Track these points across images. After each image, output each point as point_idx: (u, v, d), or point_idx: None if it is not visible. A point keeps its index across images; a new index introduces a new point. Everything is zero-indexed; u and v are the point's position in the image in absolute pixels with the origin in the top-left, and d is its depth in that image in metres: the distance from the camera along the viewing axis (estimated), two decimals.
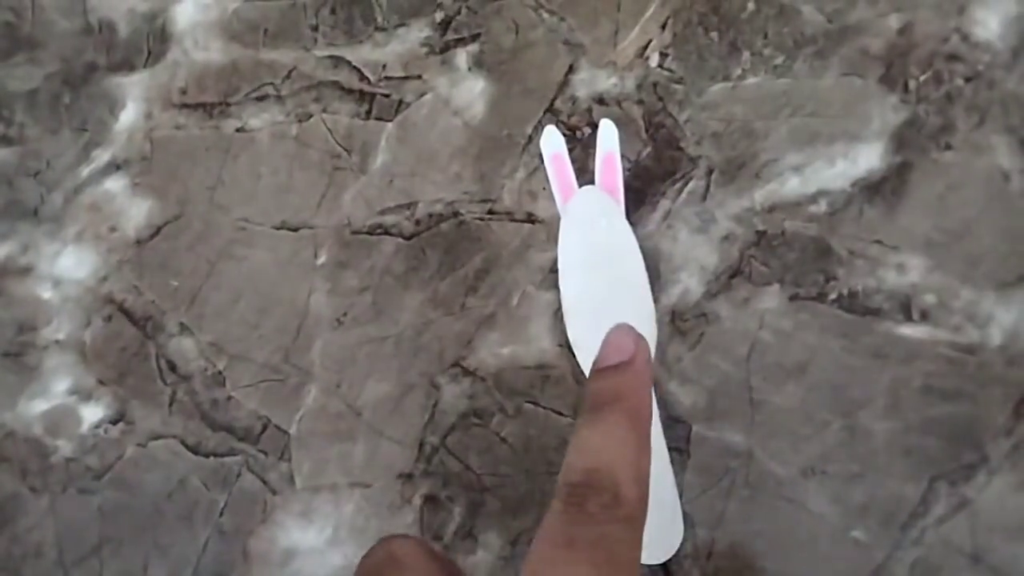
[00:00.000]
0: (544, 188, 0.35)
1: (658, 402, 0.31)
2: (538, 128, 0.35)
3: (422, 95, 0.36)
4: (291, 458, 0.33)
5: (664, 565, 0.31)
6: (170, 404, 0.34)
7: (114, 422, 0.34)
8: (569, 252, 0.33)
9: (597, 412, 0.27)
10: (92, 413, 0.34)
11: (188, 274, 0.35)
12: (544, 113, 0.35)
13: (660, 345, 0.32)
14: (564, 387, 0.33)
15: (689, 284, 0.33)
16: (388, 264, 0.34)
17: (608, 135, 0.34)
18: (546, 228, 0.34)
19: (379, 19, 0.37)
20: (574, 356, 0.32)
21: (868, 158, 0.34)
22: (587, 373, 0.31)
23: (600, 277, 0.32)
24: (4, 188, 0.36)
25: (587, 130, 0.35)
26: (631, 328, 0.30)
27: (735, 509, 0.31)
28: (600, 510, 0.25)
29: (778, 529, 0.31)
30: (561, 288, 0.33)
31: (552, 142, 0.34)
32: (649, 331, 0.32)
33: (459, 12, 0.36)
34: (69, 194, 0.36)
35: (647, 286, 0.32)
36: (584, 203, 0.33)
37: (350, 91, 0.36)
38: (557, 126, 0.35)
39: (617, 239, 0.32)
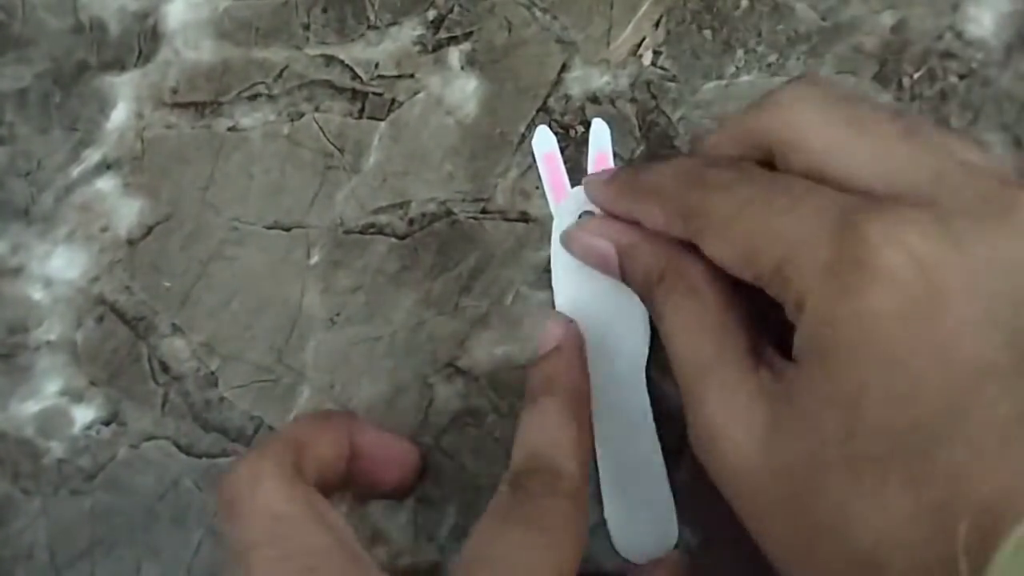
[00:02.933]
0: (537, 187, 0.34)
1: (652, 401, 0.31)
2: (531, 127, 0.35)
3: (415, 94, 0.36)
4: None
5: None
6: (162, 405, 0.34)
7: (106, 423, 0.34)
8: (561, 253, 0.33)
9: (533, 401, 0.29)
10: (84, 414, 0.34)
11: (180, 274, 0.35)
12: (537, 112, 0.35)
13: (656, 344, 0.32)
14: None
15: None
16: (381, 264, 0.34)
17: (600, 135, 0.34)
18: (540, 227, 0.34)
19: (371, 17, 0.36)
20: None
21: None
22: None
23: (593, 278, 0.32)
24: None
25: (580, 128, 0.35)
26: (561, 316, 0.32)
27: (729, 508, 0.31)
28: (540, 487, 0.26)
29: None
30: (554, 289, 0.33)
31: (544, 142, 0.34)
32: (642, 331, 0.32)
33: (451, 10, 0.36)
34: (60, 194, 0.35)
35: None
36: (577, 203, 0.33)
37: (342, 90, 0.36)
38: (550, 125, 0.35)
39: None
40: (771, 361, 0.25)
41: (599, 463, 0.31)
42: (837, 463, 0.21)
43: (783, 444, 0.23)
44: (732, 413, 0.24)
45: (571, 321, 0.31)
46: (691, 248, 0.27)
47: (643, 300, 0.29)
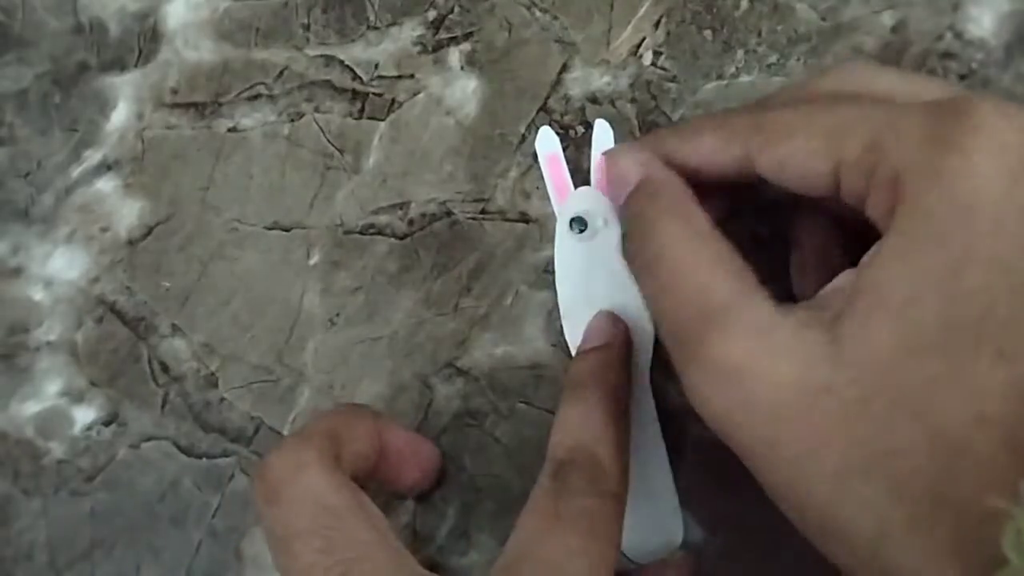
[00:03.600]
0: (538, 188, 0.34)
1: (655, 400, 0.31)
2: (531, 127, 0.35)
3: (415, 94, 0.36)
4: None
5: None
6: (162, 405, 0.34)
7: (106, 424, 0.34)
8: (565, 254, 0.33)
9: (577, 391, 0.28)
10: (84, 415, 0.34)
11: (180, 275, 0.35)
12: (537, 112, 0.35)
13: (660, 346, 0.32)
14: (558, 387, 0.33)
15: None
16: (381, 264, 0.34)
17: (603, 135, 0.34)
18: (540, 228, 0.34)
19: (371, 18, 0.36)
20: (571, 358, 0.32)
21: None
22: None
23: (597, 279, 0.32)
24: None
25: (581, 129, 0.35)
26: (612, 314, 0.31)
27: (733, 507, 0.31)
28: (584, 484, 0.26)
29: (775, 528, 0.31)
30: (558, 290, 0.33)
31: (547, 143, 0.34)
32: (646, 332, 0.32)
33: (452, 11, 0.36)
34: (60, 194, 0.35)
35: None
36: (580, 204, 0.33)
37: (342, 90, 0.36)
38: (550, 125, 0.35)
39: (614, 240, 0.32)
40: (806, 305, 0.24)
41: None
42: (929, 343, 0.21)
43: (854, 350, 0.22)
44: (770, 347, 0.23)
45: (621, 322, 0.31)
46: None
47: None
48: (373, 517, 0.26)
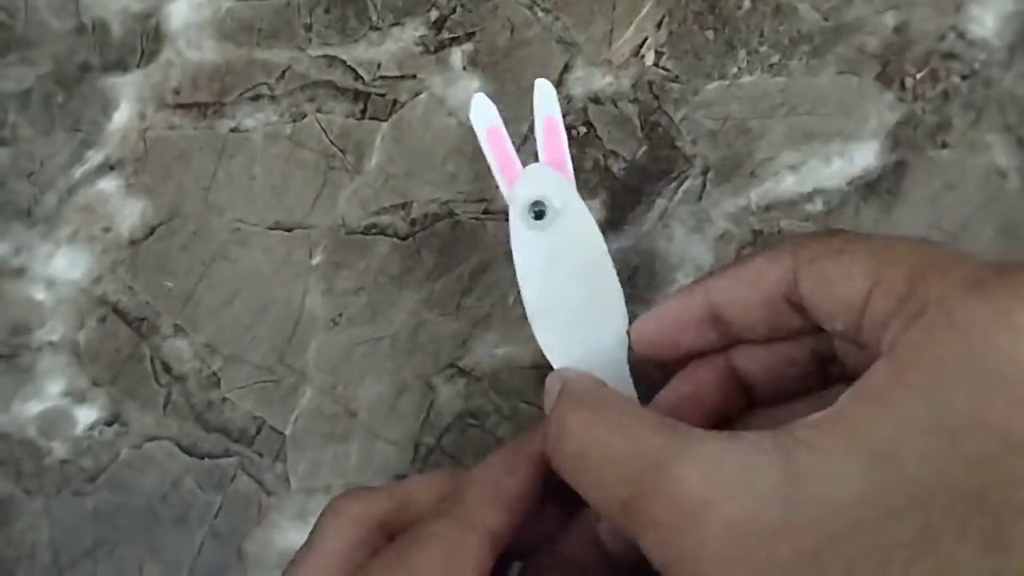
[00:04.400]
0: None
1: (636, 386, 0.31)
2: (533, 128, 0.35)
3: (417, 94, 0.36)
4: (286, 459, 0.33)
5: None
6: (165, 405, 0.34)
7: (108, 424, 0.34)
8: (524, 247, 0.30)
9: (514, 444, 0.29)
10: (86, 415, 0.34)
11: (182, 275, 0.35)
12: None
13: None
14: None
15: (685, 284, 0.33)
16: (383, 264, 0.34)
17: (546, 97, 0.30)
18: None
19: (373, 18, 0.36)
20: (548, 364, 0.30)
21: (864, 156, 0.34)
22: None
23: (563, 271, 0.29)
24: None
25: (583, 129, 0.35)
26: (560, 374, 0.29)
27: None
28: (437, 510, 0.27)
29: None
30: (521, 288, 0.30)
31: (484, 114, 0.30)
32: (620, 314, 0.29)
33: (454, 11, 0.36)
34: (63, 195, 0.35)
35: (612, 270, 0.30)
36: (531, 184, 0.30)
37: (344, 91, 0.36)
38: None
39: (573, 220, 0.30)
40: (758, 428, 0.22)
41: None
42: (908, 504, 0.19)
43: (815, 490, 0.20)
44: (719, 483, 0.21)
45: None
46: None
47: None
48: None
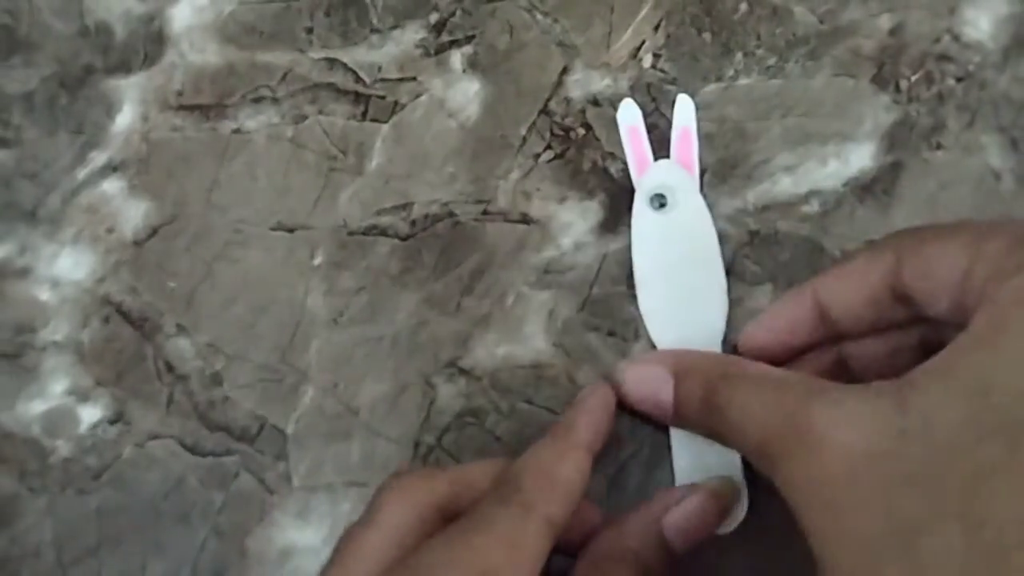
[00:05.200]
0: (538, 189, 0.35)
1: None
2: (532, 129, 0.35)
3: (417, 96, 0.36)
4: (288, 458, 0.33)
5: None
6: (168, 404, 0.34)
7: (112, 422, 0.34)
8: (642, 226, 0.33)
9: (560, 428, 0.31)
10: (90, 414, 0.34)
11: (185, 275, 0.35)
12: (538, 114, 0.35)
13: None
14: (558, 387, 0.33)
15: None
16: (384, 265, 0.35)
17: (685, 110, 0.34)
18: (540, 229, 0.35)
19: (374, 21, 0.37)
20: (645, 328, 0.33)
21: (860, 158, 0.34)
22: (657, 343, 0.33)
23: (673, 250, 0.33)
24: (1, 190, 0.36)
25: (581, 131, 0.35)
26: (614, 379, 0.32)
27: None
28: (495, 496, 0.28)
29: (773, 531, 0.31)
30: (634, 260, 0.33)
31: (628, 114, 0.34)
32: (721, 304, 0.33)
33: (454, 14, 0.37)
34: (66, 196, 0.36)
35: (720, 260, 0.33)
36: (658, 176, 0.33)
37: (345, 93, 0.36)
38: (551, 128, 0.35)
39: (691, 212, 0.33)
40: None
41: (672, 438, 0.32)
42: (996, 429, 0.21)
43: (920, 423, 0.22)
44: (843, 416, 0.23)
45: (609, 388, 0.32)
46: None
47: (701, 416, 0.29)
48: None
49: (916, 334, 0.28)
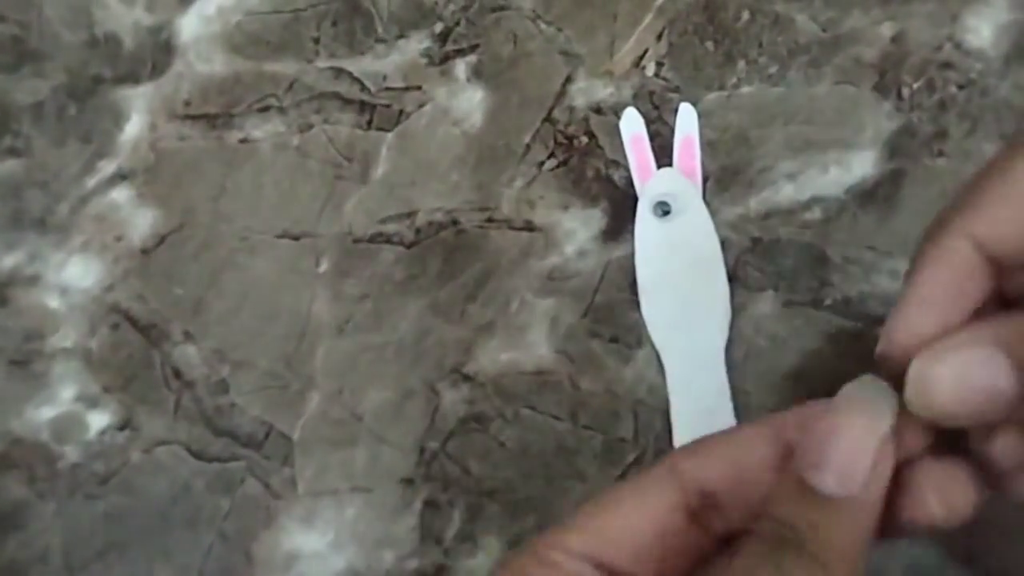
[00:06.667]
0: (542, 197, 0.35)
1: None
2: (536, 137, 0.36)
3: (422, 105, 0.36)
4: (294, 463, 0.34)
5: None
6: (175, 410, 0.34)
7: (120, 428, 0.34)
8: (645, 234, 0.34)
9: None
10: (98, 420, 0.34)
11: (192, 283, 0.35)
12: (542, 123, 0.36)
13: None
14: (561, 393, 0.33)
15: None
16: (389, 272, 0.35)
17: (687, 118, 0.35)
18: (544, 236, 0.35)
19: (379, 31, 0.37)
20: (648, 335, 0.33)
21: (862, 165, 0.34)
22: (660, 350, 0.33)
23: (677, 258, 0.33)
24: (11, 199, 0.36)
25: (584, 139, 0.36)
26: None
27: None
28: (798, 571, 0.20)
29: None
30: (637, 269, 0.34)
31: (632, 124, 0.35)
32: (723, 312, 0.33)
33: (458, 23, 0.37)
34: (75, 204, 0.36)
35: (722, 267, 0.33)
36: (661, 184, 0.34)
37: (351, 102, 0.37)
38: (554, 136, 0.35)
39: (694, 220, 0.34)
40: None
41: (674, 442, 0.32)
42: None
43: None
44: None
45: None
46: None
47: None
48: None
49: None
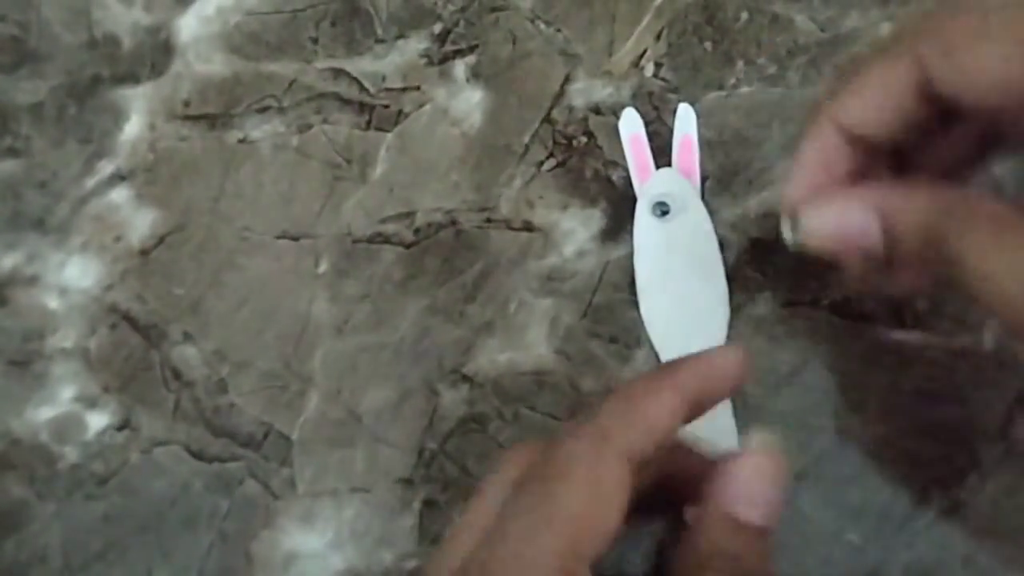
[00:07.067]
0: (541, 197, 0.35)
1: None
2: (535, 137, 0.36)
3: (421, 106, 0.36)
4: (293, 464, 0.34)
5: None
6: (174, 411, 0.34)
7: (119, 429, 0.34)
8: (644, 233, 0.34)
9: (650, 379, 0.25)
10: (97, 420, 0.34)
11: (191, 283, 0.35)
12: (541, 123, 0.36)
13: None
14: (560, 393, 0.33)
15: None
16: (388, 272, 0.35)
17: (686, 119, 0.35)
18: (543, 236, 0.35)
19: (378, 31, 0.37)
20: (647, 335, 0.34)
21: None
22: (659, 350, 0.33)
23: (675, 258, 0.33)
24: (11, 199, 0.36)
25: (583, 139, 0.36)
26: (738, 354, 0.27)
27: None
28: (573, 427, 0.24)
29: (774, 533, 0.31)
30: (636, 267, 0.34)
31: (631, 124, 0.35)
32: (722, 309, 0.33)
33: (457, 24, 0.37)
34: (75, 205, 0.36)
35: (721, 267, 0.33)
36: (660, 184, 0.34)
37: (350, 102, 0.37)
38: (553, 136, 0.35)
39: (693, 220, 0.34)
40: None
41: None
42: None
43: None
44: None
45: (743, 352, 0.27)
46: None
47: (925, 256, 0.25)
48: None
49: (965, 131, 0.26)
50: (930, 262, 0.25)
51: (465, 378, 0.34)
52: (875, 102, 0.25)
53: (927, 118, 0.25)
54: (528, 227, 0.35)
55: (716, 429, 0.31)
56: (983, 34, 0.23)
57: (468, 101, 0.36)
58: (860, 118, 0.26)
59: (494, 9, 0.37)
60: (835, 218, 0.26)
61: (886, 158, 0.27)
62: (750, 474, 0.25)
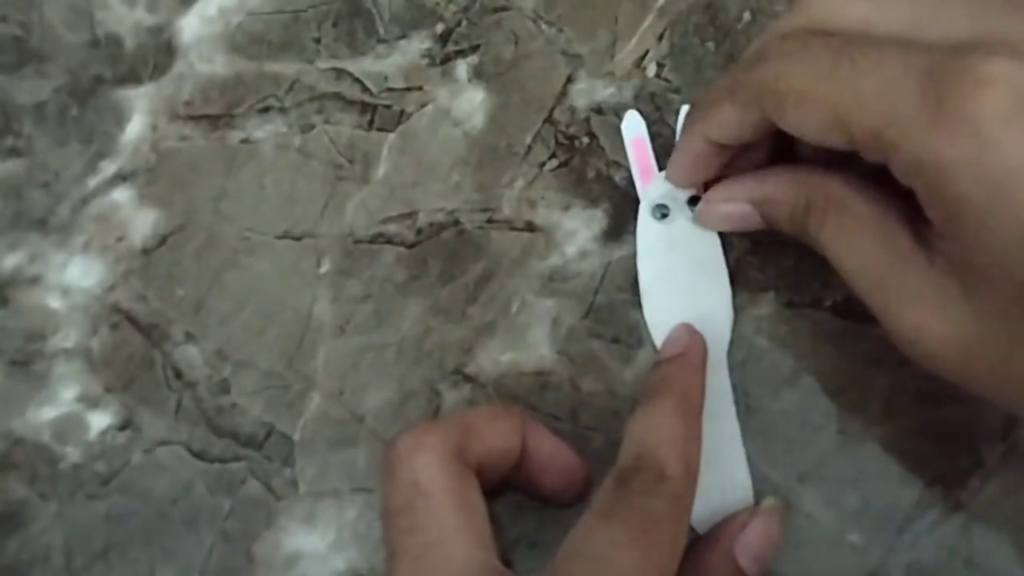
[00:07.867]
0: (543, 197, 0.35)
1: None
2: (537, 138, 0.36)
3: (423, 106, 0.36)
4: (295, 464, 0.34)
5: None
6: (176, 411, 0.34)
7: (121, 429, 0.34)
8: (647, 235, 0.34)
9: (648, 400, 0.29)
10: (99, 420, 0.34)
11: (193, 283, 0.35)
12: (543, 123, 0.36)
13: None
14: (562, 393, 0.33)
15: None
16: (390, 273, 0.35)
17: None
18: (545, 236, 0.35)
19: (380, 31, 0.37)
20: (652, 344, 0.33)
21: None
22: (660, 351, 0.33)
23: (678, 259, 0.33)
24: (13, 199, 0.36)
25: (585, 140, 0.36)
26: (688, 325, 0.32)
27: None
28: (643, 487, 0.26)
29: None
30: (639, 270, 0.34)
31: (634, 126, 0.35)
32: (725, 310, 0.33)
33: (459, 24, 0.37)
34: (76, 205, 0.36)
35: (724, 268, 0.33)
36: (663, 186, 0.34)
37: (352, 102, 0.37)
38: (555, 136, 0.35)
39: (695, 224, 0.34)
40: (936, 239, 0.24)
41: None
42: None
43: (982, 308, 0.23)
44: (926, 311, 0.24)
45: (696, 333, 0.32)
46: (820, 171, 0.28)
47: (800, 238, 0.29)
48: (469, 505, 0.26)
49: None
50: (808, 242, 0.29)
51: (467, 378, 0.34)
52: (729, 130, 0.29)
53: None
54: (530, 227, 0.35)
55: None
56: (804, 97, 0.25)
57: (470, 101, 0.36)
58: (718, 135, 0.29)
59: (496, 9, 0.37)
60: (721, 208, 0.31)
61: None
62: (760, 533, 0.29)
